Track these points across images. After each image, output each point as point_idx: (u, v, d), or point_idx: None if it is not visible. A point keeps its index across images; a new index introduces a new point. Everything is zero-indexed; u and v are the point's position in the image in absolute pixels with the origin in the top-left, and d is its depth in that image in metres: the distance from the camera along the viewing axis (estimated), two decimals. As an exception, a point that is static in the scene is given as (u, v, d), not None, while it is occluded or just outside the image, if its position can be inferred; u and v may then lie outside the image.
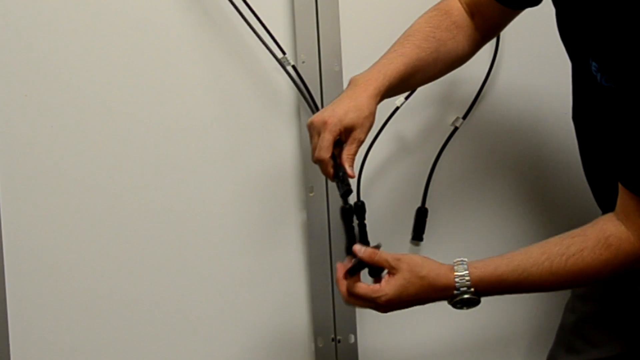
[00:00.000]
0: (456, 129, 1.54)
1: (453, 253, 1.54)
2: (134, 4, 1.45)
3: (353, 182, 1.48)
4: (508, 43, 1.53)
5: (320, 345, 1.53)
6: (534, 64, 1.53)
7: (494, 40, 1.51)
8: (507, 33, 1.51)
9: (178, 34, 1.47)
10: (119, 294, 1.48)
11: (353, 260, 1.21)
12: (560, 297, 1.46)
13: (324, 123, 1.21)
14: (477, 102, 1.54)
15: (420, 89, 1.50)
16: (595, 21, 1.05)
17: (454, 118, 1.54)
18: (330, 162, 1.22)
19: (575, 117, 1.25)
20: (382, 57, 1.28)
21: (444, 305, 1.57)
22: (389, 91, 1.26)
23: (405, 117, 1.53)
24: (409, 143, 1.54)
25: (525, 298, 1.59)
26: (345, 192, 1.24)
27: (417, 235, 1.56)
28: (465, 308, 1.18)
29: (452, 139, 1.54)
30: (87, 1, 1.44)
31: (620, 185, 1.10)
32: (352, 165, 1.23)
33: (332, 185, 1.48)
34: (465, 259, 1.17)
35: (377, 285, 1.19)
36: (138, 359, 1.50)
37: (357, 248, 1.20)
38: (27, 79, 1.43)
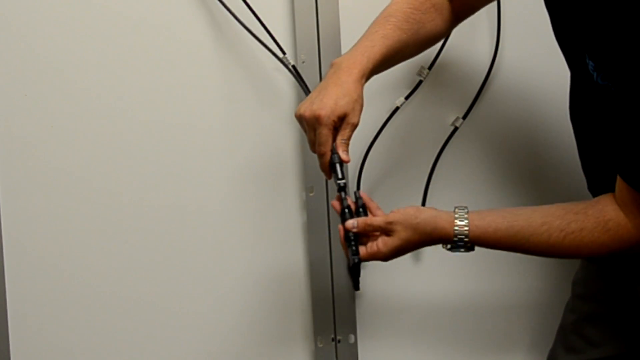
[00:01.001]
0: (456, 129, 1.54)
1: (453, 252, 1.55)
2: (134, 4, 1.45)
3: (353, 183, 1.49)
4: (508, 43, 1.53)
5: (320, 345, 1.53)
6: (533, 63, 1.53)
7: (494, 41, 1.51)
8: (507, 33, 1.52)
9: (178, 34, 1.47)
10: (117, 292, 1.48)
11: (347, 234, 1.22)
12: (561, 296, 1.46)
13: (317, 117, 1.20)
14: (477, 102, 1.53)
15: (420, 89, 1.51)
16: (591, 20, 1.05)
17: (454, 118, 1.54)
18: (330, 154, 1.22)
19: (573, 116, 1.26)
20: (363, 37, 1.28)
21: (444, 306, 1.58)
22: (372, 73, 1.26)
23: (405, 117, 1.52)
24: (409, 143, 1.54)
25: (525, 299, 1.59)
26: (340, 188, 1.23)
27: (417, 235, 1.56)
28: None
29: (452, 139, 1.54)
30: (87, 1, 1.44)
31: (618, 176, 1.11)
32: (346, 150, 1.22)
33: (332, 185, 1.48)
34: (467, 210, 1.18)
35: (374, 248, 1.20)
36: (137, 358, 1.50)
37: (351, 224, 1.21)
38: (27, 79, 1.44)
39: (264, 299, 1.53)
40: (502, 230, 1.16)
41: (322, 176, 1.35)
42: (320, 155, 1.22)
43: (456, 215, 1.18)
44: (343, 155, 1.22)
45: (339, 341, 1.54)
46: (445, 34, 1.36)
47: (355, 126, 1.23)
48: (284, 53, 1.46)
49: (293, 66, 1.47)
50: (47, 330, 1.47)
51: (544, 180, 1.57)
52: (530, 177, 1.58)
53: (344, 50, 1.48)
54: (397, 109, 1.51)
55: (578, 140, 1.26)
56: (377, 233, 1.21)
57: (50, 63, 1.44)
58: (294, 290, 1.54)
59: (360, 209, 1.24)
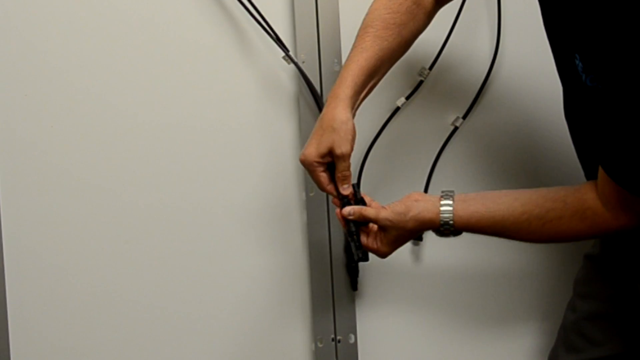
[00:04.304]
0: (456, 128, 1.54)
1: (453, 252, 1.55)
2: (135, 3, 1.45)
3: (353, 182, 1.49)
4: (508, 42, 1.53)
5: (320, 345, 1.53)
6: (534, 63, 1.53)
7: (494, 41, 1.52)
8: (507, 32, 1.52)
9: (179, 34, 1.47)
10: (119, 293, 1.48)
11: (347, 226, 1.28)
12: (562, 296, 1.46)
13: (303, 164, 1.27)
14: (477, 102, 1.54)
15: (420, 89, 1.51)
16: (582, 21, 1.05)
17: (454, 118, 1.54)
18: (334, 191, 1.29)
19: (567, 116, 1.26)
20: (347, 58, 1.29)
21: (444, 304, 1.58)
22: (360, 87, 1.27)
23: (405, 117, 1.53)
24: (409, 143, 1.54)
25: (526, 299, 1.59)
26: (351, 232, 1.28)
27: (417, 234, 1.56)
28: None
29: (452, 139, 1.54)
30: (87, 1, 1.44)
31: (600, 168, 1.13)
32: (347, 183, 1.27)
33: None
34: (453, 197, 1.23)
35: (375, 245, 1.27)
36: (137, 357, 1.50)
37: (347, 212, 1.27)
38: (27, 79, 1.44)
39: (263, 299, 1.53)
40: (484, 219, 1.22)
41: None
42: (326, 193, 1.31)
43: (441, 209, 1.22)
44: (341, 190, 1.28)
45: (339, 341, 1.54)
46: (427, 25, 1.36)
47: (345, 155, 1.26)
48: (286, 51, 1.46)
49: (295, 64, 1.47)
50: (47, 330, 1.47)
51: (543, 180, 1.57)
52: (530, 176, 1.58)
53: (344, 50, 1.49)
54: (397, 109, 1.51)
55: (574, 139, 1.27)
56: (375, 228, 1.27)
57: (50, 63, 1.44)
58: (294, 290, 1.54)
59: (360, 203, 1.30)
